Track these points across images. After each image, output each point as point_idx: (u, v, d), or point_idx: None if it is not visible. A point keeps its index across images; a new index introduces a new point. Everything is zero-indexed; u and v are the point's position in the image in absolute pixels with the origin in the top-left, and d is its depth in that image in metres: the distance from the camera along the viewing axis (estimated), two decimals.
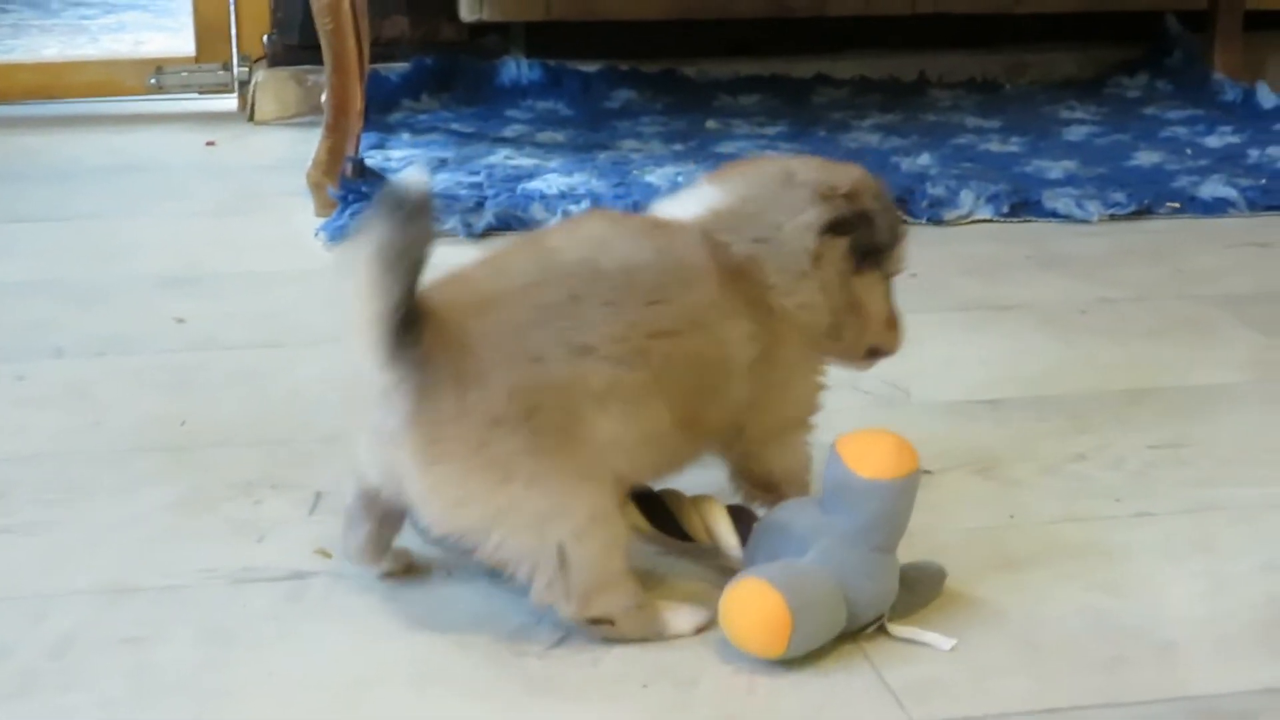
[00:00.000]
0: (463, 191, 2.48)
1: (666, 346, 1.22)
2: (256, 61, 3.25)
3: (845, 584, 1.21)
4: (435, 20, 3.29)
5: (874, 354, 1.42)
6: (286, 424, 1.65)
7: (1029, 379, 1.81)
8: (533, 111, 3.09)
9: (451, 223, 2.33)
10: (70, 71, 3.36)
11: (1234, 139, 2.93)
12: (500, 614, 1.26)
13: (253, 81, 3.20)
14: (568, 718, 1.15)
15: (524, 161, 2.70)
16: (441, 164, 2.68)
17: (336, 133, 2.45)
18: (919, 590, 1.28)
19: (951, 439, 1.64)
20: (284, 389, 1.75)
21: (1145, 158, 2.80)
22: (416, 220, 1.12)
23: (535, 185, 2.52)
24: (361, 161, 2.49)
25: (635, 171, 2.61)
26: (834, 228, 1.32)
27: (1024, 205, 2.51)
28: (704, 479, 1.37)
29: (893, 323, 1.40)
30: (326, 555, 1.36)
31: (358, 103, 2.46)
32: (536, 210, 2.37)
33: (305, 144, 2.60)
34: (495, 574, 1.24)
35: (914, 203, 2.48)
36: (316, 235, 2.30)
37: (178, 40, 3.76)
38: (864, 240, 1.34)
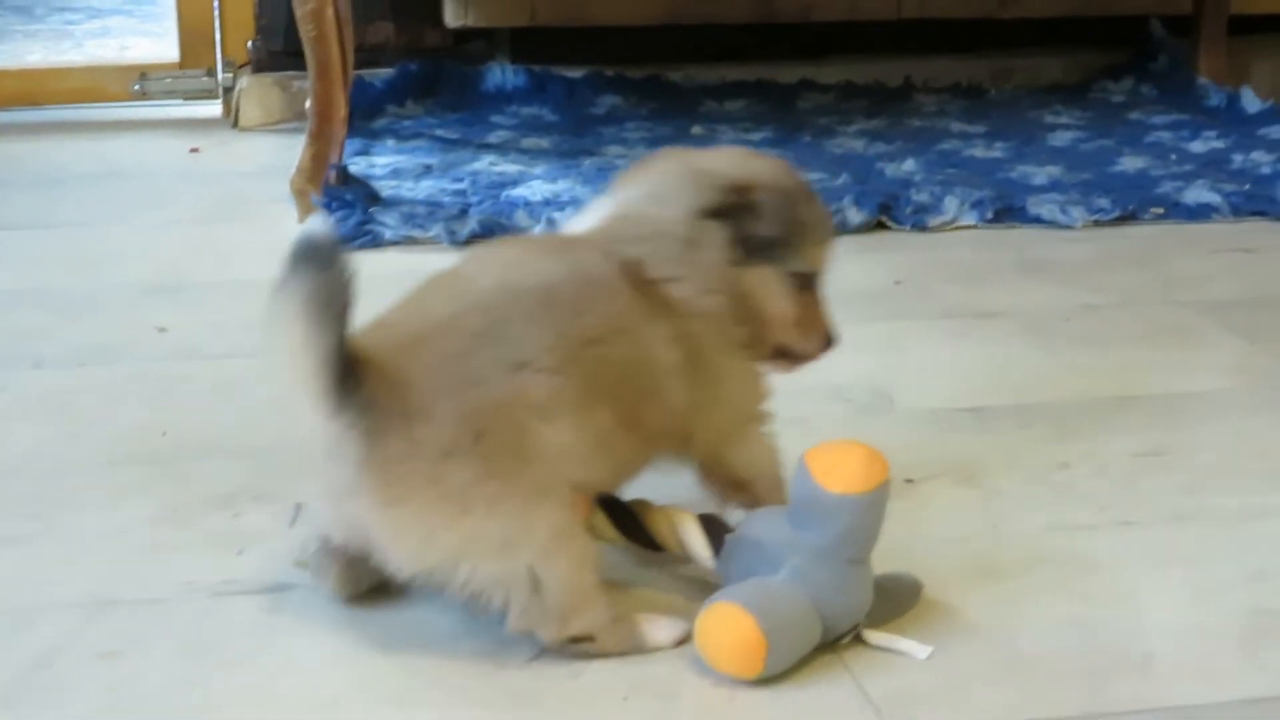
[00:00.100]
0: (447, 199, 2.48)
1: (597, 354, 1.23)
2: (241, 67, 3.24)
3: (819, 600, 1.21)
4: (420, 26, 3.28)
5: (783, 355, 1.38)
6: (268, 435, 1.64)
7: (1012, 387, 1.81)
8: (518, 117, 3.09)
9: (436, 230, 2.33)
10: (54, 78, 3.35)
11: (1218, 144, 2.93)
12: (481, 627, 1.25)
13: (237, 88, 3.19)
14: None
15: (509, 168, 2.70)
16: (426, 170, 2.68)
17: (320, 140, 2.45)
18: (896, 598, 1.28)
19: (934, 447, 1.63)
20: (266, 399, 1.74)
21: (1130, 163, 2.80)
22: (332, 265, 1.13)
23: (520, 192, 2.52)
24: (345, 168, 2.48)
25: None
26: (710, 214, 1.31)
27: (1008, 211, 2.51)
28: (677, 488, 1.36)
29: (808, 324, 1.37)
30: (307, 567, 1.36)
31: (342, 109, 2.46)
32: (521, 217, 2.37)
33: (290, 150, 2.59)
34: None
35: (898, 209, 2.48)
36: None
37: (162, 46, 3.75)
38: (746, 230, 1.32)
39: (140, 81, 3.29)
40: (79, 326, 1.98)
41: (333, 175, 2.43)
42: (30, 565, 1.38)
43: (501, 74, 3.22)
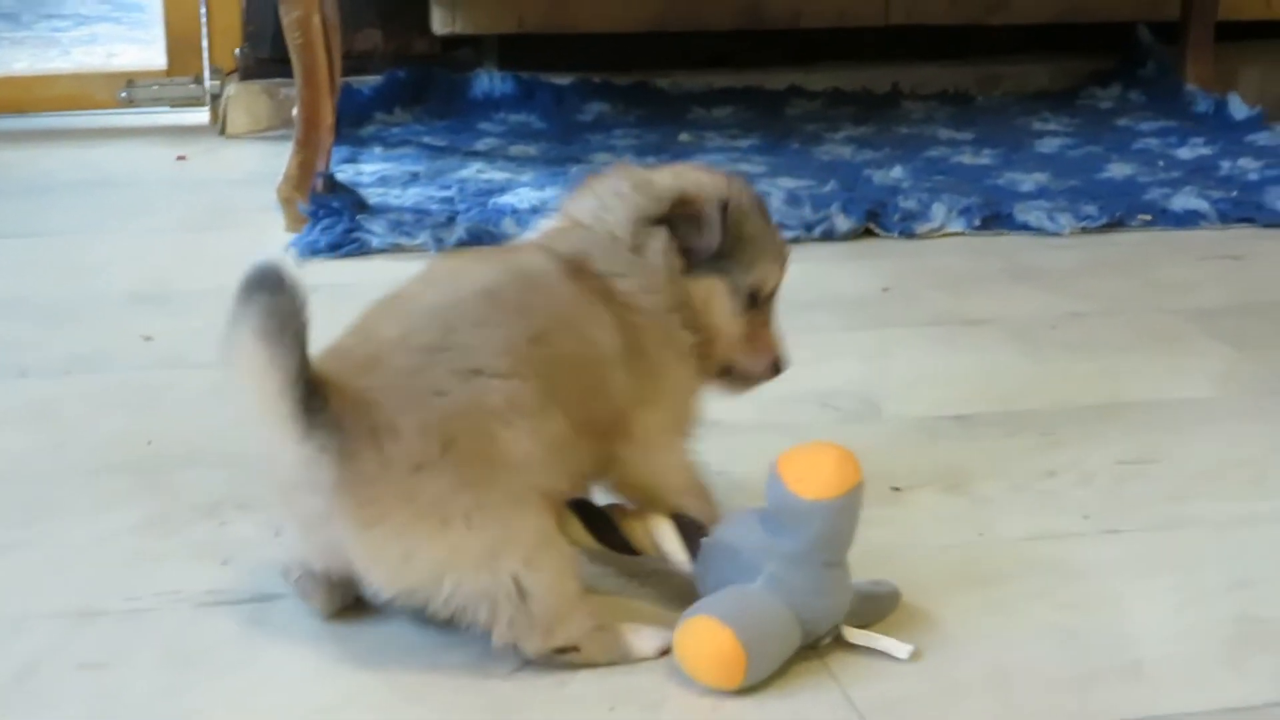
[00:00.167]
0: (434, 206, 2.48)
1: (545, 351, 1.23)
2: (228, 75, 3.24)
3: (796, 604, 1.21)
4: (408, 33, 3.28)
5: (731, 374, 1.40)
6: (254, 444, 1.63)
7: (999, 394, 1.81)
8: (505, 124, 3.09)
9: (423, 238, 2.33)
10: (41, 85, 3.35)
11: (1206, 150, 2.93)
12: (466, 638, 1.24)
13: (224, 95, 3.19)
14: None
15: (496, 175, 2.70)
16: (413, 178, 2.68)
17: (307, 147, 2.44)
18: (876, 601, 1.28)
19: (921, 455, 1.63)
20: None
21: (1117, 170, 2.80)
22: (284, 290, 1.14)
23: (507, 199, 2.51)
24: (332, 176, 2.48)
25: None
26: (652, 221, 1.33)
27: (996, 218, 2.51)
28: None
29: (755, 343, 1.38)
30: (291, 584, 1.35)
31: (328, 117, 2.46)
32: (508, 225, 2.36)
33: (277, 158, 2.59)
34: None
35: (886, 216, 2.48)
36: (287, 251, 2.29)
37: (150, 53, 3.74)
38: (688, 239, 1.33)
39: (127, 89, 3.29)
40: (65, 335, 1.97)
41: (320, 183, 2.43)
42: (15, 574, 1.38)
43: (489, 81, 3.22)
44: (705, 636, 1.18)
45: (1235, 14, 3.43)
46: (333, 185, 2.46)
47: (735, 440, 1.49)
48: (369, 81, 3.16)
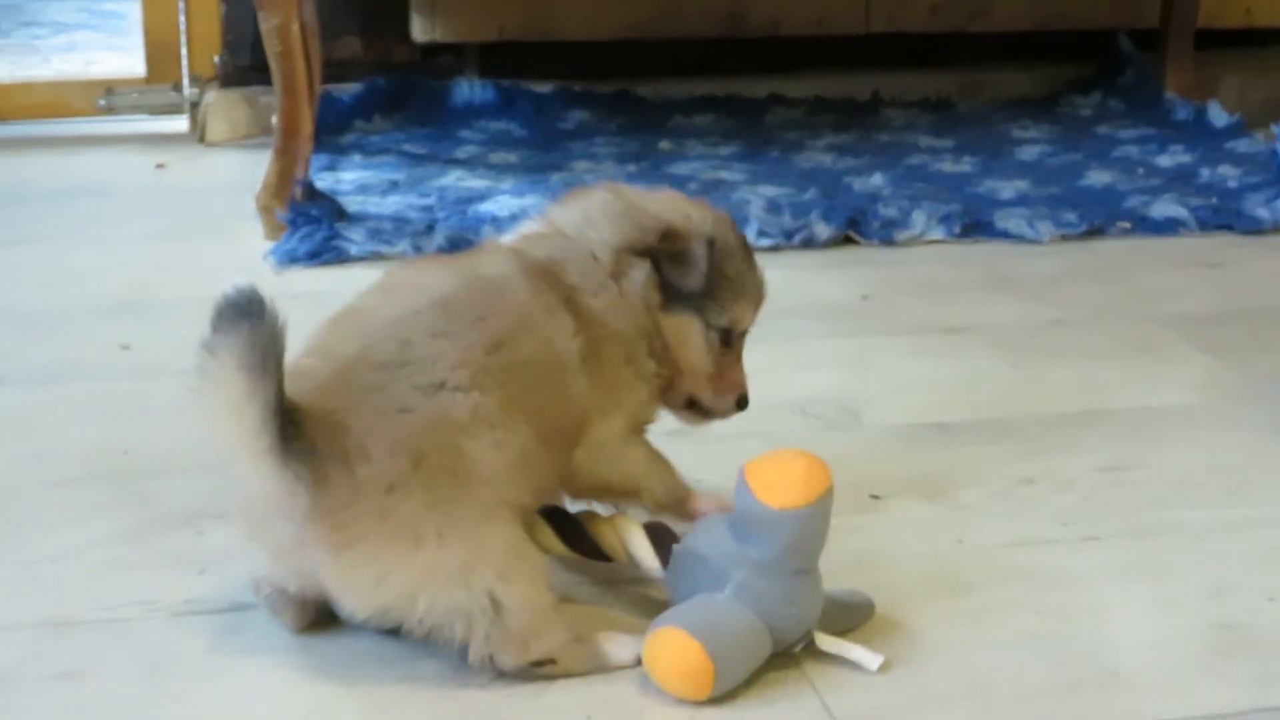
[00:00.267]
0: (414, 214, 2.47)
1: (505, 358, 1.23)
2: (207, 82, 3.23)
3: (766, 613, 1.21)
4: (388, 41, 3.27)
5: (694, 408, 1.40)
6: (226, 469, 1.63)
7: (979, 402, 1.81)
8: (486, 132, 3.08)
9: (402, 245, 2.32)
10: (19, 93, 3.33)
11: (1185, 158, 2.94)
12: (442, 648, 1.24)
13: (203, 103, 3.18)
14: None
15: (476, 183, 2.69)
16: (393, 186, 2.67)
17: (286, 156, 2.44)
18: (848, 609, 1.28)
19: (900, 463, 1.63)
20: None
21: (1097, 177, 2.80)
22: (264, 319, 1.12)
23: (487, 207, 2.51)
24: (311, 184, 2.47)
25: None
26: (637, 252, 1.32)
27: (976, 226, 2.51)
28: None
29: (723, 381, 1.38)
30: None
31: (308, 126, 2.45)
32: (488, 233, 2.35)
33: (256, 166, 2.58)
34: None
35: (866, 223, 2.48)
36: (265, 259, 2.28)
37: (128, 61, 3.73)
38: (671, 276, 1.32)
39: (106, 96, 3.28)
40: (41, 344, 1.96)
41: (299, 191, 2.42)
42: None
43: (470, 89, 3.21)
44: (674, 648, 1.18)
45: (1215, 22, 3.44)
46: (312, 193, 2.45)
47: (713, 448, 1.49)
48: (349, 89, 3.15)
